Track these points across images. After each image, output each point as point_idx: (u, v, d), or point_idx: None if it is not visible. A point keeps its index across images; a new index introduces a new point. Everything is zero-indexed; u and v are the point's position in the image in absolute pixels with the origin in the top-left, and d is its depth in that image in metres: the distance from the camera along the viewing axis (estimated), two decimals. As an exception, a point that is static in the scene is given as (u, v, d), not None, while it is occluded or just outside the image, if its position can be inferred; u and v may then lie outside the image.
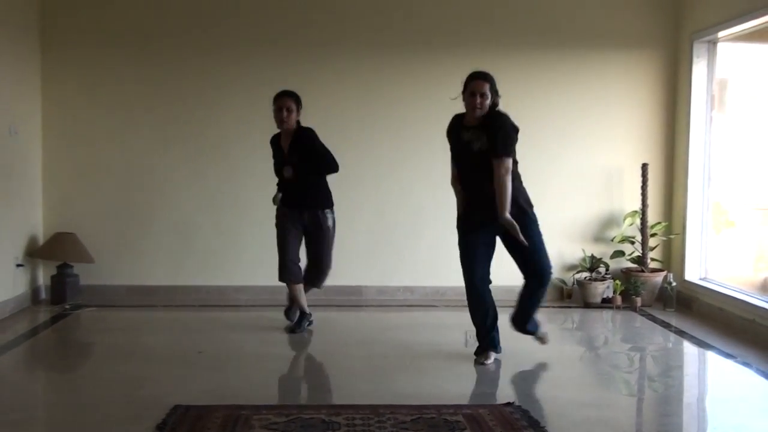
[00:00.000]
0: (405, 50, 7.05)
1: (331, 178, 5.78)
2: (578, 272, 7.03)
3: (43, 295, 6.96)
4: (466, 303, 5.06)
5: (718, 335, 5.86)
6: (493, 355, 5.02)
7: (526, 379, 4.81)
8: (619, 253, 7.08)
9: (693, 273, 6.88)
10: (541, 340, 5.21)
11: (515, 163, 4.82)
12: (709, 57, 6.79)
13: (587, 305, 6.87)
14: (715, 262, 6.86)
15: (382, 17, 7.07)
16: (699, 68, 6.81)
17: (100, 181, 7.06)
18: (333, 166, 5.66)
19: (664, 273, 6.94)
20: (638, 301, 6.76)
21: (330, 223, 5.73)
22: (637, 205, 7.00)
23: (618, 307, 6.79)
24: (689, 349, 5.76)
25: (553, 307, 6.80)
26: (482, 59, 7.02)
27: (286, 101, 5.58)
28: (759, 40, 6.31)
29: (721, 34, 6.51)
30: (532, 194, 4.98)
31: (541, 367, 5.04)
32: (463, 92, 4.82)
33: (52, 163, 7.02)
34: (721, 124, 6.86)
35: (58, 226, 6.94)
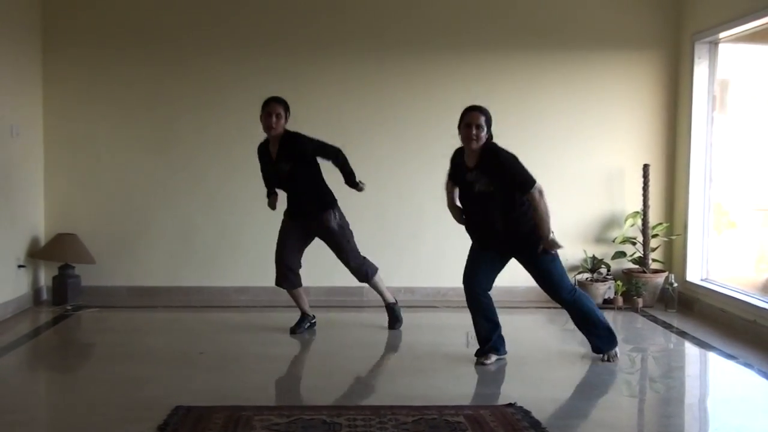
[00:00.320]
0: (406, 51, 7.06)
1: (330, 179, 5.76)
2: (580, 273, 7.03)
3: (45, 296, 6.96)
4: (466, 304, 5.07)
5: (719, 336, 5.86)
6: (493, 356, 5.03)
7: (527, 380, 4.80)
8: (620, 254, 7.08)
9: (694, 274, 6.87)
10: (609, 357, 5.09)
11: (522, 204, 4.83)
12: (710, 58, 6.78)
13: (588, 306, 6.87)
14: (716, 262, 6.85)
15: (384, 18, 7.08)
16: (700, 69, 6.80)
17: (101, 181, 7.06)
18: (338, 152, 5.65)
19: (666, 274, 6.93)
20: (639, 301, 6.76)
21: (335, 223, 5.70)
22: (638, 206, 7.00)
23: (619, 308, 6.79)
24: (690, 349, 5.75)
25: (555, 308, 6.77)
26: (483, 61, 7.11)
27: (275, 107, 5.59)
28: (760, 40, 6.31)
29: (722, 34, 6.51)
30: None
31: (543, 367, 5.04)
32: (459, 126, 4.83)
33: (53, 163, 7.02)
34: (723, 125, 6.85)
35: (59, 227, 6.94)
